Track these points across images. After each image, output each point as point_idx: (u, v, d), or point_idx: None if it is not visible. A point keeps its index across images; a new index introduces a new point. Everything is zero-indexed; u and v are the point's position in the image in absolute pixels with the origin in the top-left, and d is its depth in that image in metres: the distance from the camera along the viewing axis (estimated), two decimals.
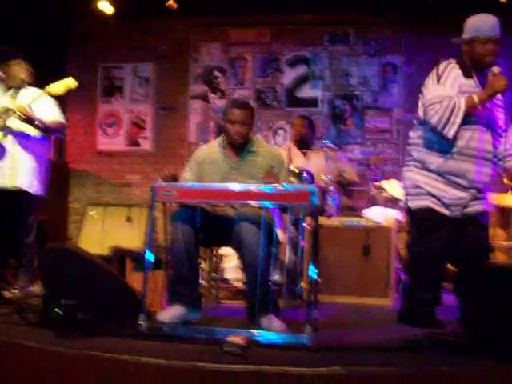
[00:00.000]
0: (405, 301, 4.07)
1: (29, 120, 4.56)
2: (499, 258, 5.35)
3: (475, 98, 3.63)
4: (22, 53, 4.96)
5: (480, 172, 3.74)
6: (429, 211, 3.81)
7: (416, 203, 3.88)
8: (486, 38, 3.68)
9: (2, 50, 5.51)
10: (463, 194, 3.75)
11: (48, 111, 4.77)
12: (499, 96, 3.75)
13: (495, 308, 3.06)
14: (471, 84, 3.75)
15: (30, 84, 4.89)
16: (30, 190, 4.73)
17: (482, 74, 3.76)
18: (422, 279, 3.93)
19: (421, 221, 3.89)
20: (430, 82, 3.79)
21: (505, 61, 6.50)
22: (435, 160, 3.80)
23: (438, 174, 3.80)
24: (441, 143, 3.77)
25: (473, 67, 3.78)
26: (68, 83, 4.67)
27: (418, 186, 3.86)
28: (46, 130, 4.74)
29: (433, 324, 3.74)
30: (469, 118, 3.67)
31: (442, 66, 3.80)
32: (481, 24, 3.73)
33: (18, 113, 4.51)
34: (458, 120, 3.63)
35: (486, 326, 3.05)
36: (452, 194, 3.77)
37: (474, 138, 3.73)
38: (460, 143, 3.73)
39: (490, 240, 4.07)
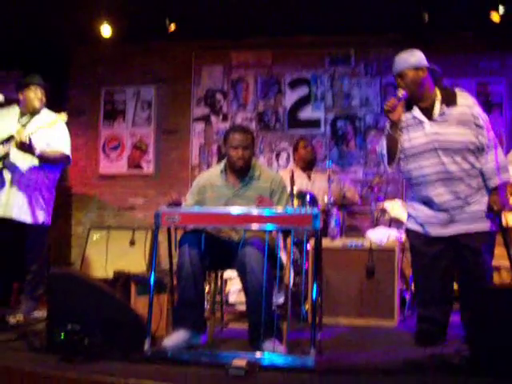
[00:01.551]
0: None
1: (26, 150, 4.57)
2: (504, 277, 5.33)
3: (387, 126, 3.95)
4: (38, 78, 4.96)
5: (444, 194, 3.79)
6: (410, 231, 4.07)
7: (406, 225, 4.16)
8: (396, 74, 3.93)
9: (13, 75, 5.53)
10: (438, 214, 3.83)
11: (51, 141, 4.77)
12: (466, 111, 3.80)
13: (496, 329, 3.05)
14: (407, 118, 3.93)
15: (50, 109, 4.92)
16: (26, 220, 4.73)
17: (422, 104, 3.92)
18: (419, 297, 4.16)
19: (409, 241, 4.15)
20: None
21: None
22: (410, 189, 4.11)
23: (415, 200, 4.01)
24: (406, 176, 4.02)
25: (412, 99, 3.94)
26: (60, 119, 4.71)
27: (408, 211, 4.13)
28: (45, 161, 4.75)
29: (435, 343, 3.76)
30: (414, 147, 3.88)
31: None
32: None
33: (15, 143, 4.52)
34: (384, 151, 3.94)
35: (489, 347, 3.05)
36: (426, 213, 3.92)
37: (425, 165, 3.87)
38: (414, 173, 3.93)
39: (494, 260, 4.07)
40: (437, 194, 3.83)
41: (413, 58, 3.88)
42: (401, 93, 3.85)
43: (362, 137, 7.12)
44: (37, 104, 4.87)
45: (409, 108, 3.94)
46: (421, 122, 3.87)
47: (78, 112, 7.70)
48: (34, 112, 4.88)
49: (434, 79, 3.93)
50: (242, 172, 4.02)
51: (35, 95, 4.87)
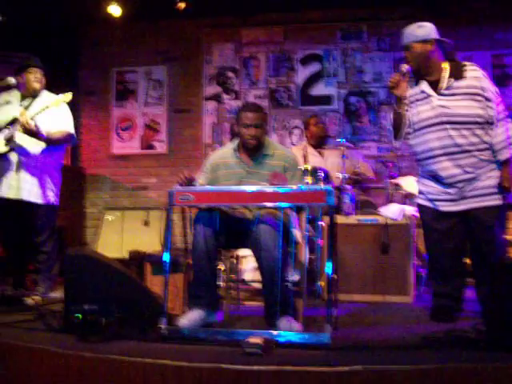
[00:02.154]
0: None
1: (31, 133, 4.58)
2: None
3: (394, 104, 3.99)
4: (36, 60, 4.96)
5: (451, 168, 3.76)
6: (421, 207, 4.06)
7: (417, 201, 4.14)
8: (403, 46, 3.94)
9: (18, 57, 5.53)
10: (449, 190, 3.80)
11: (55, 121, 4.76)
12: (474, 83, 3.75)
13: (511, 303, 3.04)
14: (416, 92, 3.93)
15: (50, 91, 4.92)
16: (36, 201, 4.74)
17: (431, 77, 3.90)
18: (432, 272, 4.18)
19: (420, 216, 4.14)
20: None
21: None
22: (418, 165, 4.06)
23: (425, 175, 3.99)
24: (414, 150, 4.00)
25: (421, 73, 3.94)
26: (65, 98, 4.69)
27: (419, 187, 4.10)
28: (51, 142, 4.74)
29: (451, 318, 3.76)
30: (421, 121, 3.86)
31: None
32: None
33: (20, 125, 4.52)
34: (391, 128, 4.02)
35: (506, 321, 3.03)
36: (436, 189, 3.90)
37: (430, 139, 3.86)
38: (421, 147, 3.91)
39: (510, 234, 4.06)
40: (442, 167, 3.80)
41: (420, 31, 3.84)
42: (404, 68, 3.85)
43: (375, 112, 7.07)
44: (37, 86, 4.87)
45: (417, 82, 3.91)
46: (428, 96, 3.84)
47: (89, 93, 7.71)
48: (34, 94, 4.88)
49: (444, 52, 3.88)
50: (254, 150, 4.00)
51: (35, 77, 4.86)
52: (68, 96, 4.71)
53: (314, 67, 7.26)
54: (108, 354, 3.00)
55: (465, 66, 3.83)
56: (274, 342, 3.14)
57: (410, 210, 4.95)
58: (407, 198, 5.59)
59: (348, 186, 5.26)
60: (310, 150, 5.89)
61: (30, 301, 4.53)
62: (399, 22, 6.67)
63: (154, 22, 7.52)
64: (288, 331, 3.31)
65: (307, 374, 2.76)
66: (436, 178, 3.86)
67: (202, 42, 7.52)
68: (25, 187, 4.70)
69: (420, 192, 4.05)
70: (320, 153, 6.01)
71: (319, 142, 6.11)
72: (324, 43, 7.26)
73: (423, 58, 3.83)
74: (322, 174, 5.20)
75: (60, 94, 4.73)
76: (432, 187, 3.90)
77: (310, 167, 5.21)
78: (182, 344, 3.26)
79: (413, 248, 4.84)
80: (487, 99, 3.74)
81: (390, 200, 5.61)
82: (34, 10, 6.46)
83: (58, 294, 4.58)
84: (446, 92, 3.78)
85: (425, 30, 3.85)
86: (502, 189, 3.71)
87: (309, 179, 5.11)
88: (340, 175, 5.34)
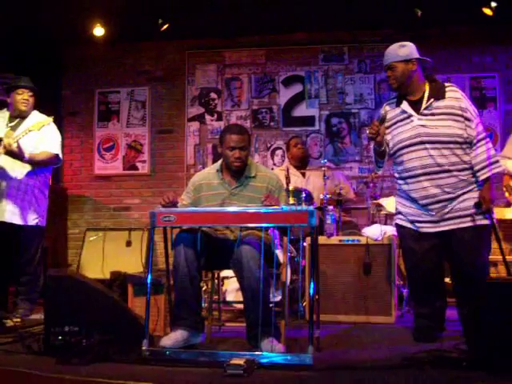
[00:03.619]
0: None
1: (14, 155, 4.55)
2: (501, 271, 5.34)
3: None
4: (26, 81, 4.94)
5: (430, 188, 3.79)
6: (400, 227, 4.06)
7: (395, 221, 4.15)
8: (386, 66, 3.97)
9: (5, 77, 5.53)
10: (429, 211, 3.83)
11: (40, 142, 4.75)
12: (453, 103, 3.81)
13: (493, 322, 3.05)
14: (397, 113, 3.97)
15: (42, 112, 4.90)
16: (19, 223, 4.72)
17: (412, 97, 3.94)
18: (413, 293, 4.21)
19: (399, 237, 4.17)
20: None
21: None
22: (398, 184, 4.08)
23: (403, 195, 4.01)
24: (396, 170, 4.04)
25: (402, 92, 3.99)
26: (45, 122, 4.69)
27: (396, 207, 4.11)
28: (35, 163, 4.73)
29: (430, 339, 3.77)
30: (402, 141, 3.90)
31: None
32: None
33: (2, 147, 4.50)
34: (373, 159, 4.13)
35: (487, 341, 3.04)
36: (416, 210, 3.91)
37: (410, 159, 3.89)
38: (402, 166, 3.94)
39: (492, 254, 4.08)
40: (422, 187, 3.83)
41: (403, 51, 3.88)
42: (382, 113, 3.92)
43: (357, 133, 7.12)
44: (23, 107, 4.85)
45: (399, 103, 3.95)
46: (409, 116, 3.88)
47: (72, 113, 7.70)
48: (22, 115, 4.86)
49: (424, 72, 3.94)
50: (238, 172, 4.00)
51: (22, 99, 4.84)
52: (49, 119, 4.70)
53: (296, 88, 7.31)
54: (89, 376, 2.98)
55: (445, 86, 3.88)
56: (257, 363, 3.13)
57: (392, 229, 4.97)
58: (389, 219, 5.62)
59: (330, 207, 5.28)
60: (292, 170, 5.91)
61: (10, 323, 4.48)
62: (379, 45, 6.81)
63: (137, 44, 7.54)
64: (270, 352, 3.30)
65: None
66: (415, 198, 3.88)
67: (185, 63, 7.54)
68: (8, 209, 4.68)
69: (399, 212, 4.06)
70: (302, 174, 6.04)
71: (301, 163, 6.15)
72: (306, 65, 7.32)
73: (405, 78, 3.87)
74: (304, 195, 5.27)
75: (44, 117, 4.73)
76: (411, 208, 3.92)
77: (292, 188, 5.26)
78: (164, 366, 3.24)
79: (395, 268, 4.85)
80: (467, 119, 3.78)
81: (371, 220, 5.64)
82: (17, 30, 6.46)
83: (38, 315, 4.54)
84: (426, 112, 3.83)
85: (407, 49, 3.90)
86: (480, 209, 3.74)
87: (291, 200, 5.14)
88: (322, 196, 5.36)
